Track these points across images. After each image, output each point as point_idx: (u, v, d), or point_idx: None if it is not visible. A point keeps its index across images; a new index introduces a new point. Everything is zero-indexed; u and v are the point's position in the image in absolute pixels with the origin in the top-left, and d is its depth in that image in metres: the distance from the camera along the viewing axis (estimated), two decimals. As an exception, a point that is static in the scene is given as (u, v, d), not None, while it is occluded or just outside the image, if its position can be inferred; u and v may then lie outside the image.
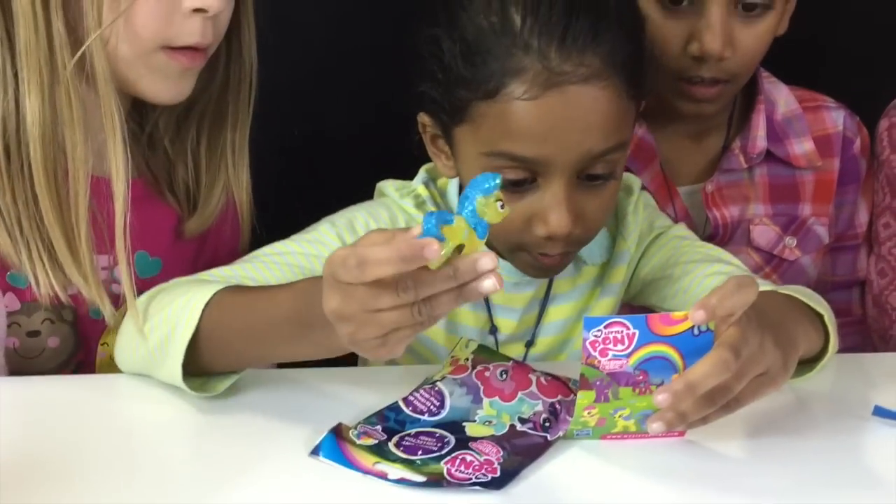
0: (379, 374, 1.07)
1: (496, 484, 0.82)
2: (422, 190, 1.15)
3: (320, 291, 0.82)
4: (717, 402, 0.85)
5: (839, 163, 1.43)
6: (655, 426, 0.84)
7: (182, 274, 1.08)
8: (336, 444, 0.87)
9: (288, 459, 0.87)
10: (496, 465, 0.85)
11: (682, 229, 1.23)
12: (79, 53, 1.03)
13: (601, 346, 0.84)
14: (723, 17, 1.27)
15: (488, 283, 0.76)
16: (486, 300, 1.12)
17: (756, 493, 0.84)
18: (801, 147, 1.42)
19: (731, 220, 1.41)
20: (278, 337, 0.93)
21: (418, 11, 1.05)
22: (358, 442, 0.87)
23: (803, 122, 1.43)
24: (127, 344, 1.02)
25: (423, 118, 1.09)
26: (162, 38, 1.08)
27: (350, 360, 1.00)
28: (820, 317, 1.01)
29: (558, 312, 1.16)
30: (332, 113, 1.52)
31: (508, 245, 1.06)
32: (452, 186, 1.15)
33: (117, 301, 1.10)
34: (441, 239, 0.74)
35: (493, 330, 1.13)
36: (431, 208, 1.12)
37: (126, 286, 1.03)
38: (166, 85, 1.12)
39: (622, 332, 0.83)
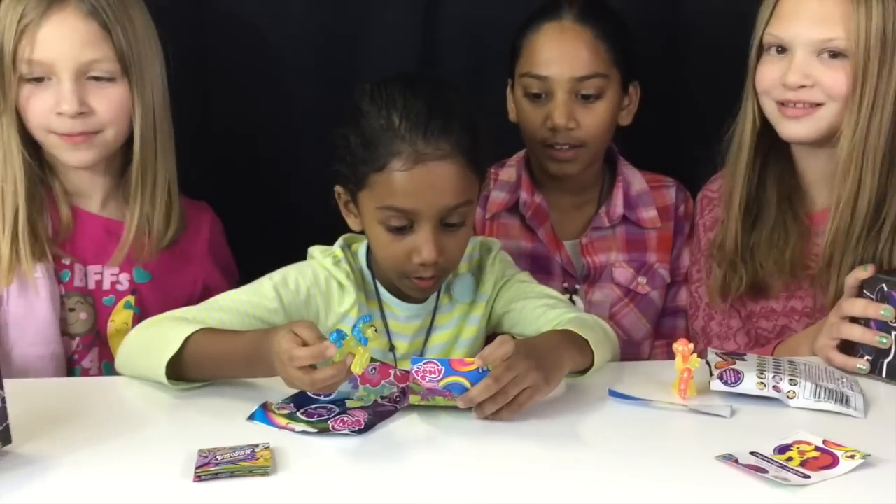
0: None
1: (360, 432, 1.30)
2: (339, 252, 1.53)
3: (264, 344, 1.30)
4: (499, 404, 1.31)
5: (673, 224, 1.89)
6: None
7: (168, 280, 1.66)
8: (264, 412, 1.36)
9: (240, 422, 1.34)
10: (363, 422, 1.32)
11: (525, 276, 1.66)
12: None
13: (422, 374, 1.32)
14: (566, 102, 1.77)
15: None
16: (387, 329, 1.57)
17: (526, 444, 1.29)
18: (648, 213, 1.88)
19: (600, 264, 1.87)
20: (234, 369, 1.41)
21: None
22: (278, 412, 1.36)
23: (649, 197, 1.89)
24: (126, 359, 1.47)
25: (338, 189, 1.52)
26: (46, 127, 1.59)
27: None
28: (587, 341, 1.43)
29: (440, 338, 1.60)
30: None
31: (397, 273, 1.48)
32: (362, 250, 1.57)
33: (120, 295, 1.67)
34: (339, 346, 1.24)
35: (392, 349, 1.57)
36: (345, 266, 1.52)
37: None
38: (66, 155, 1.61)
39: (435, 367, 1.32)
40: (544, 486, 1.19)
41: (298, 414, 1.36)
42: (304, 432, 1.31)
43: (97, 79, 1.59)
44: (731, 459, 1.23)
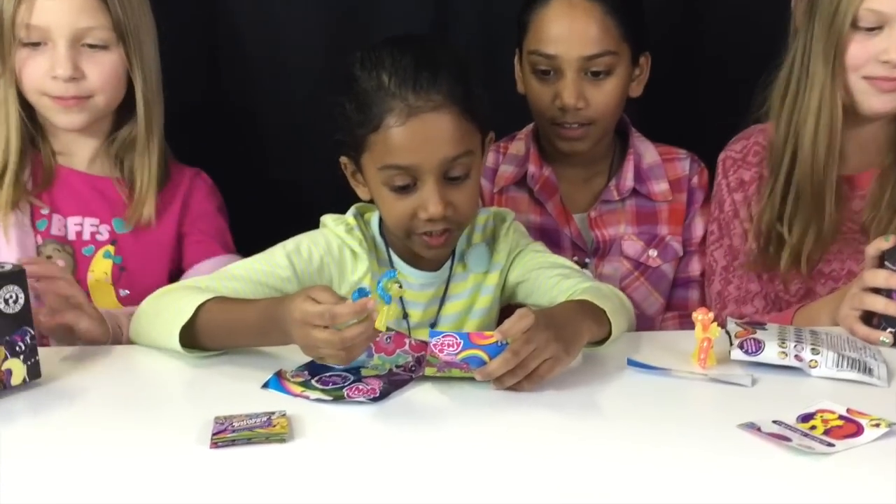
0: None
1: (375, 400, 1.27)
2: (351, 220, 1.53)
3: (278, 312, 1.28)
4: (518, 377, 1.28)
5: (686, 195, 1.86)
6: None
7: (147, 231, 1.68)
8: (278, 380, 1.34)
9: (255, 390, 1.32)
10: (378, 390, 1.29)
11: (539, 246, 1.64)
12: None
13: (440, 347, 1.28)
14: (575, 80, 1.73)
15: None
16: (400, 297, 1.52)
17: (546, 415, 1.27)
18: (659, 187, 1.85)
19: (609, 237, 1.84)
20: (247, 338, 1.38)
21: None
22: (292, 380, 1.34)
23: (661, 170, 1.86)
24: (140, 327, 1.47)
25: (343, 159, 1.53)
26: (40, 90, 1.63)
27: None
28: (604, 311, 1.40)
29: (453, 307, 1.59)
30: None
31: (406, 233, 1.46)
32: (374, 218, 1.57)
33: (100, 245, 1.69)
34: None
35: (406, 316, 1.56)
36: (358, 234, 1.52)
37: None
38: (58, 117, 1.66)
39: (453, 340, 1.29)
40: (564, 455, 1.16)
41: (313, 382, 1.33)
42: (318, 400, 1.29)
43: (91, 46, 1.63)
44: (753, 428, 1.20)
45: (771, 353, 1.36)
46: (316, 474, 1.12)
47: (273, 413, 1.23)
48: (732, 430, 1.20)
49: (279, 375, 1.35)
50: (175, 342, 1.38)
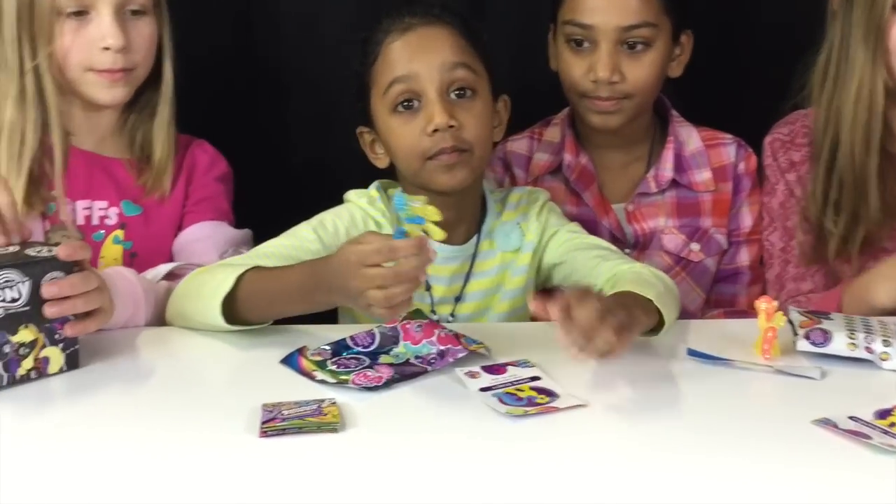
0: (345, 327, 1.42)
1: (374, 388, 1.19)
2: (374, 193, 1.52)
3: (321, 269, 1.25)
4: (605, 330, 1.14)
5: (731, 185, 1.77)
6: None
7: (157, 212, 1.61)
8: (296, 356, 1.27)
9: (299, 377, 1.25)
10: (383, 378, 1.21)
11: (575, 226, 1.58)
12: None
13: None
14: (611, 53, 1.65)
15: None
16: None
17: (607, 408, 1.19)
18: (701, 176, 1.77)
19: (647, 231, 1.76)
20: (292, 302, 1.32)
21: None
22: (310, 357, 1.27)
23: (705, 157, 1.77)
24: (177, 308, 1.40)
25: (360, 129, 1.52)
26: (87, 65, 1.55)
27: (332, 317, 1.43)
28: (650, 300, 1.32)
29: (479, 285, 1.54)
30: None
31: (419, 158, 1.43)
32: (398, 193, 1.51)
33: (109, 230, 1.61)
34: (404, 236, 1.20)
35: (428, 287, 1.51)
36: (381, 205, 1.50)
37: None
38: (101, 93, 1.57)
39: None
40: (628, 451, 1.09)
41: (329, 363, 1.26)
42: (322, 381, 1.22)
43: (134, 12, 1.56)
44: (829, 424, 1.12)
45: (839, 344, 1.29)
46: (370, 466, 1.05)
47: (323, 401, 1.16)
48: (806, 426, 1.13)
49: (300, 351, 1.29)
50: (217, 316, 1.33)
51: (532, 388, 1.21)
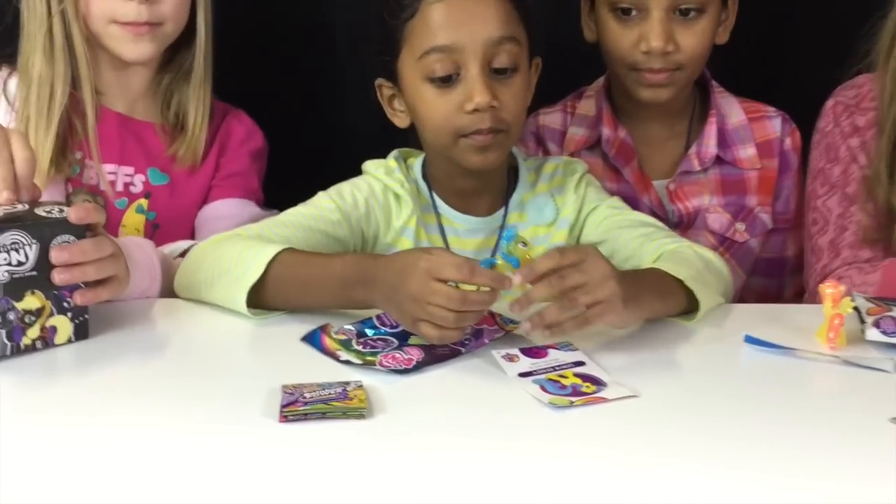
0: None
1: (404, 371, 1.09)
2: (392, 163, 1.41)
3: (372, 264, 1.15)
4: (561, 313, 1.08)
5: (777, 161, 1.66)
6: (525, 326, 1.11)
7: (184, 183, 1.52)
8: (319, 334, 1.16)
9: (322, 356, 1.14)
10: (414, 361, 1.10)
11: (616, 201, 1.47)
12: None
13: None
14: (663, 21, 1.52)
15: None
16: (446, 245, 1.40)
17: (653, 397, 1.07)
18: (745, 152, 1.65)
19: (691, 210, 1.64)
20: (326, 293, 1.20)
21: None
22: (334, 336, 1.16)
23: (748, 131, 1.65)
24: (193, 281, 1.28)
25: (379, 81, 1.39)
26: (109, 16, 1.45)
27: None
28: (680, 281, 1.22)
29: None
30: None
31: (451, 135, 1.31)
32: (417, 163, 1.43)
33: (133, 198, 1.53)
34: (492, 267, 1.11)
35: None
36: (399, 175, 1.39)
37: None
38: (125, 47, 1.47)
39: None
40: (681, 448, 0.97)
41: (353, 342, 1.15)
42: (347, 362, 1.11)
43: None
44: (907, 421, 1.01)
45: (914, 334, 1.17)
46: (400, 456, 0.94)
47: (348, 384, 1.04)
48: (884, 423, 1.01)
49: (322, 329, 1.18)
50: (241, 303, 1.21)
51: (576, 375, 1.09)
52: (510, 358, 1.13)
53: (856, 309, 1.23)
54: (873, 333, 1.19)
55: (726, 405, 1.06)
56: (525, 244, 1.13)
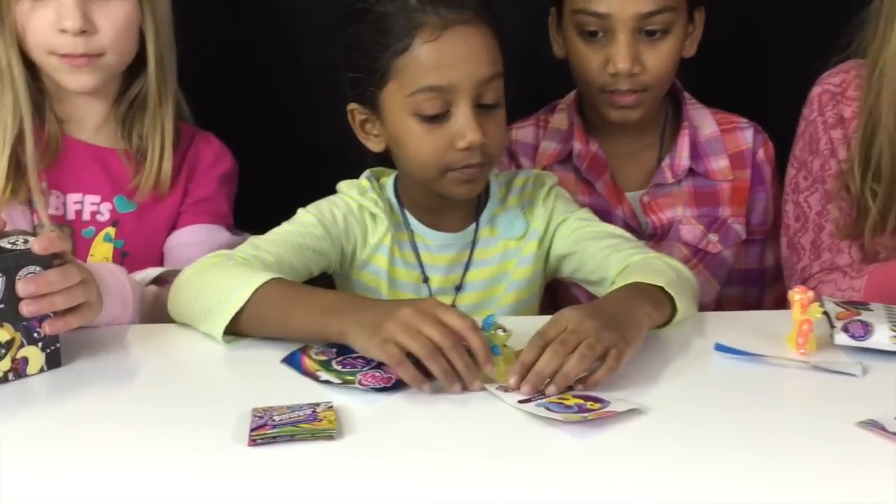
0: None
1: (384, 390, 1.09)
2: (365, 183, 1.43)
3: (358, 300, 1.22)
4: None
5: (750, 172, 1.66)
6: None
7: (151, 210, 1.51)
8: (299, 355, 1.17)
9: (294, 375, 1.14)
10: (394, 379, 1.10)
11: (585, 213, 1.47)
12: None
13: None
14: (629, 43, 1.52)
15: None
16: (419, 261, 1.42)
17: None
18: (718, 164, 1.65)
19: (665, 222, 1.65)
20: (302, 332, 1.19)
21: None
22: (314, 357, 1.16)
23: (720, 143, 1.66)
24: (181, 303, 1.28)
25: (352, 106, 1.39)
26: (47, 48, 1.44)
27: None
28: (661, 288, 1.24)
29: (480, 274, 1.44)
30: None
31: (440, 169, 1.32)
32: (389, 182, 1.44)
33: (100, 226, 1.51)
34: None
35: (426, 280, 1.42)
36: (373, 195, 1.41)
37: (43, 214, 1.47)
38: (66, 79, 1.47)
39: None
40: (651, 452, 0.98)
41: (333, 363, 1.16)
42: (327, 382, 1.12)
43: None
44: (876, 427, 1.02)
45: (882, 337, 1.18)
46: (369, 476, 0.94)
47: (318, 405, 1.05)
48: (850, 427, 1.02)
49: (302, 350, 1.19)
50: (218, 330, 1.21)
51: (576, 397, 1.08)
52: (505, 389, 1.10)
53: (825, 314, 1.23)
54: (842, 338, 1.20)
55: (695, 413, 1.07)
56: (504, 330, 1.14)
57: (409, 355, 1.08)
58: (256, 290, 1.20)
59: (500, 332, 1.15)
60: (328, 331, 1.16)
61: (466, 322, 1.09)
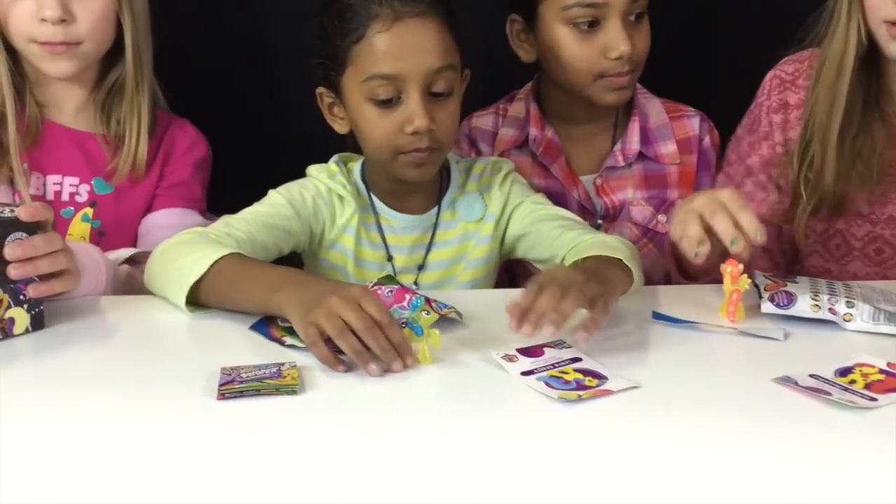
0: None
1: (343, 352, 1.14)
2: (333, 167, 1.51)
3: (303, 276, 1.28)
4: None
5: (696, 157, 1.76)
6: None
7: (128, 193, 1.59)
8: (266, 322, 1.25)
9: (262, 341, 1.22)
10: None
11: (540, 198, 1.57)
12: None
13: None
14: (623, 26, 1.62)
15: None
16: (384, 241, 1.51)
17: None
18: (666, 149, 1.75)
19: (617, 204, 1.74)
20: (249, 305, 1.27)
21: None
22: (280, 324, 1.24)
23: (669, 129, 1.76)
24: (155, 275, 1.36)
25: (320, 90, 1.48)
26: (27, 36, 1.52)
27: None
28: (620, 260, 1.34)
29: (442, 254, 1.54)
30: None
31: (391, 151, 1.41)
32: (357, 166, 1.53)
33: (79, 207, 1.59)
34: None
35: (390, 258, 1.51)
36: (341, 179, 1.49)
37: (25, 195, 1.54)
38: (46, 65, 1.55)
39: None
40: (589, 413, 1.07)
41: None
42: (292, 346, 1.20)
43: None
44: (790, 382, 1.12)
45: (803, 305, 1.28)
46: (328, 428, 1.03)
47: (283, 364, 1.14)
48: (767, 384, 1.12)
49: (270, 318, 1.27)
50: (181, 300, 1.30)
51: (577, 371, 1.15)
52: (510, 358, 1.17)
53: (755, 285, 1.33)
54: (768, 307, 1.29)
55: (635, 373, 1.15)
56: (428, 312, 1.21)
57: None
58: (213, 263, 1.29)
59: (424, 314, 1.19)
60: (270, 306, 1.24)
61: (384, 317, 1.13)
